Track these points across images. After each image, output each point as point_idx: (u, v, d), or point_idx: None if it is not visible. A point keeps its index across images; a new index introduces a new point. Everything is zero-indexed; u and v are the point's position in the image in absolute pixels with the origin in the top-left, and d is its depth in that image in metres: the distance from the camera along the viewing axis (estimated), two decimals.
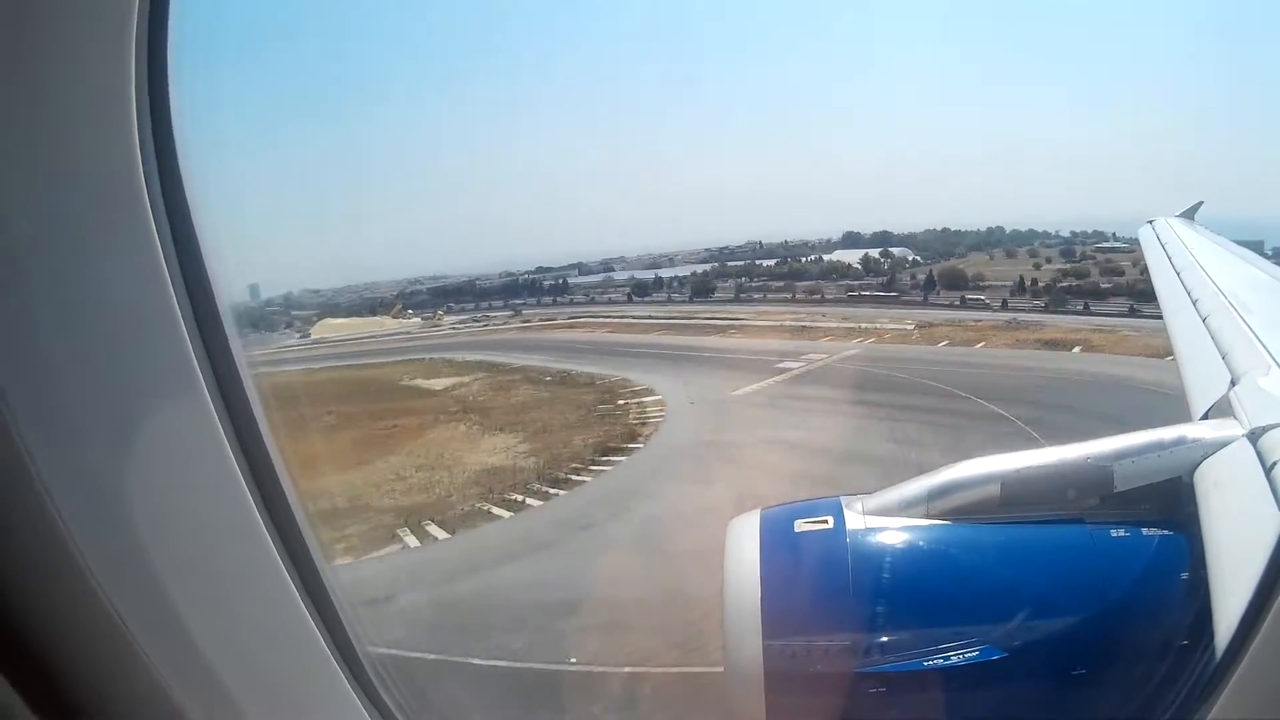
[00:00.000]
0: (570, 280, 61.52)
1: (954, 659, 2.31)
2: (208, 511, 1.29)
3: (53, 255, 1.09)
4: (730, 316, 49.75)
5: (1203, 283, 5.13)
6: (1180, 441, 2.57)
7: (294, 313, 50.91)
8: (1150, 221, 9.16)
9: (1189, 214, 9.55)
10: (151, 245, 1.20)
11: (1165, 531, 2.43)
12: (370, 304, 56.49)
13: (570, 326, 50.83)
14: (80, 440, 1.10)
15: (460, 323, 53.75)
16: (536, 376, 36.55)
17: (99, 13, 1.12)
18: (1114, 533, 2.46)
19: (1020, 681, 2.32)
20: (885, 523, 2.61)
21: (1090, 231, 56.27)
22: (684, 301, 56.35)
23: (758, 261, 60.64)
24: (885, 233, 60.63)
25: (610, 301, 58.01)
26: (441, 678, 11.82)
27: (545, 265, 61.97)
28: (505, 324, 52.86)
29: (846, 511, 2.66)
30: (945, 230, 61.64)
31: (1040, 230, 58.65)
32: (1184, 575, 2.27)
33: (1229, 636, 1.64)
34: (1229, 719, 1.48)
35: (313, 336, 49.10)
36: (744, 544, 2.59)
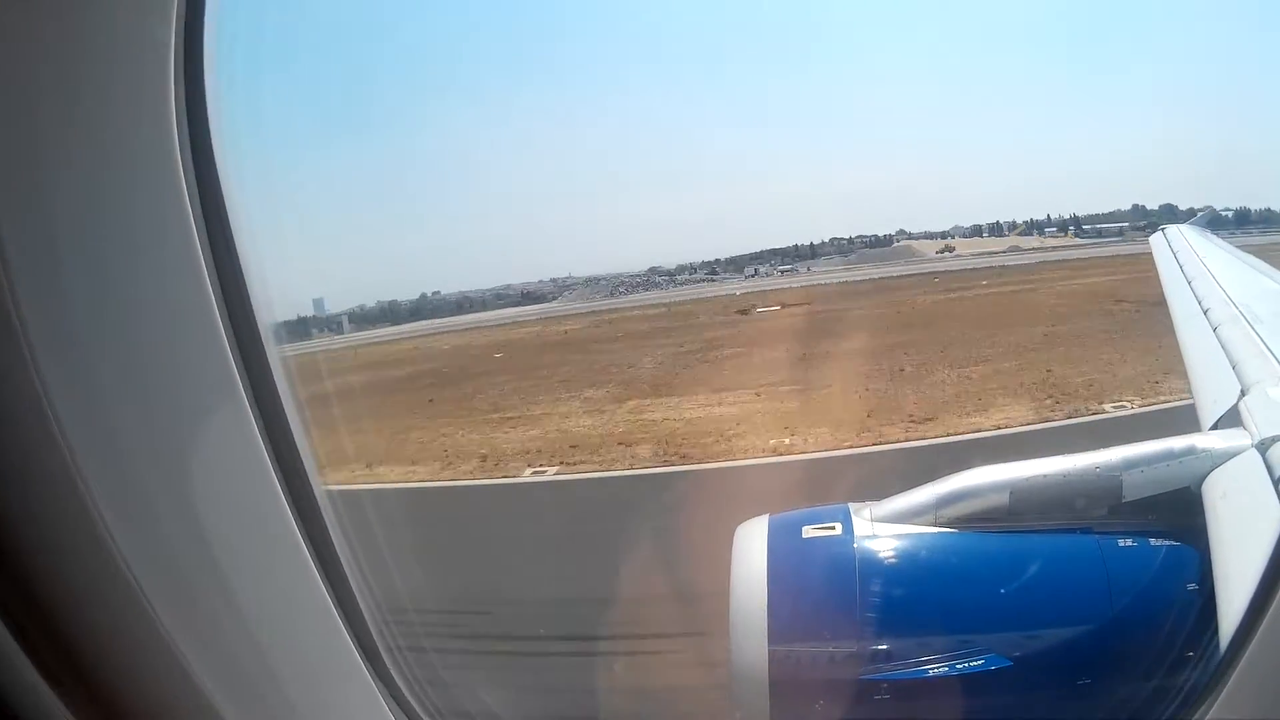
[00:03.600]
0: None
1: (959, 667, 2.31)
2: (244, 518, 1.32)
3: (97, 260, 1.11)
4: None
5: (1214, 292, 5.11)
6: (1189, 451, 2.57)
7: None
8: (1162, 229, 9.12)
9: (1200, 222, 9.50)
10: (192, 249, 1.22)
11: (1173, 541, 2.43)
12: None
13: None
14: (123, 446, 1.13)
15: None
16: None
17: (141, 11, 1.14)
18: (1122, 542, 2.46)
19: (1026, 690, 2.33)
20: (893, 530, 2.62)
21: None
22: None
23: None
24: None
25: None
26: None
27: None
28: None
29: (854, 518, 2.66)
30: None
31: None
32: (1191, 585, 2.27)
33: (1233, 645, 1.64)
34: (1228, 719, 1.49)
35: None
36: (751, 549, 2.60)
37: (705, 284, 56.04)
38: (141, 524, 1.13)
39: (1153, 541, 2.45)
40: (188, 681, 1.17)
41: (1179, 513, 2.47)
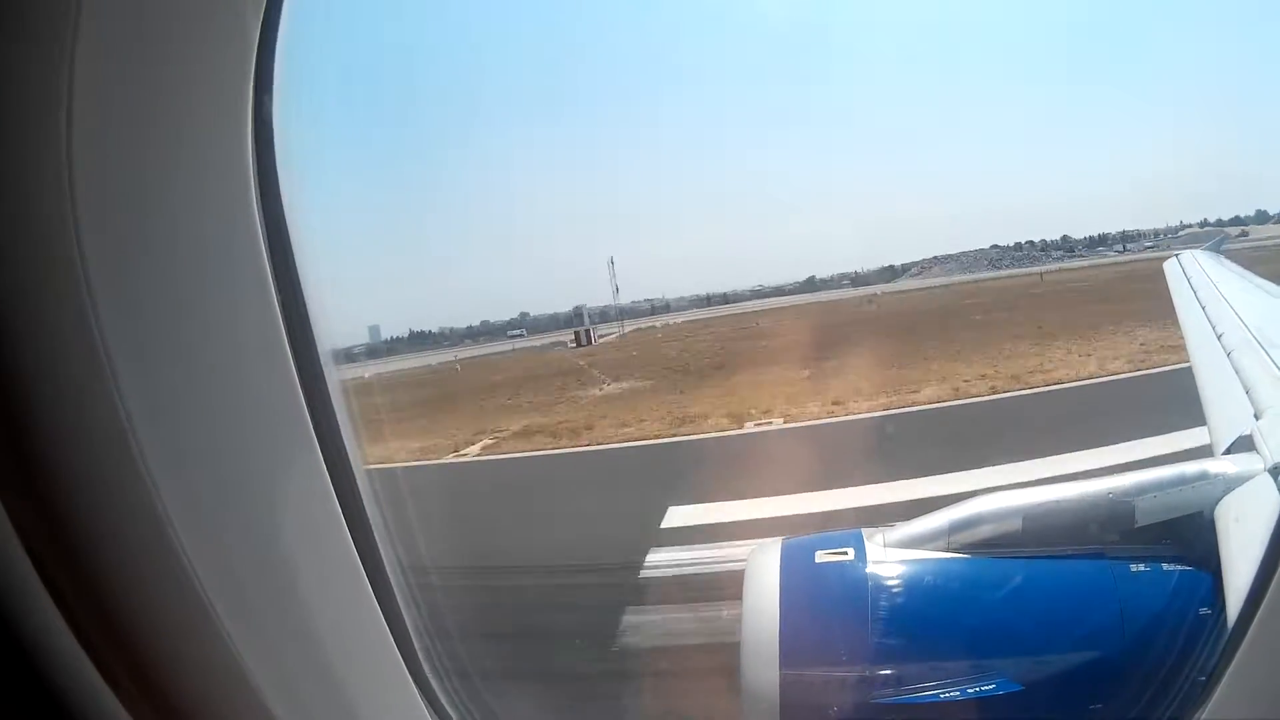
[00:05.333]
0: None
1: (971, 691, 2.31)
2: (300, 528, 1.36)
3: (172, 272, 1.16)
4: None
5: (1227, 317, 5.10)
6: (1202, 476, 2.57)
7: None
8: (1176, 255, 9.10)
9: (1215, 247, 9.48)
10: (259, 266, 1.27)
11: (1186, 566, 2.42)
12: None
13: None
14: (190, 455, 1.17)
15: None
16: None
17: (223, 29, 1.18)
18: (1134, 567, 2.45)
19: (1037, 715, 2.31)
20: (906, 555, 2.63)
21: None
22: None
23: None
24: None
25: None
26: None
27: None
28: None
29: (868, 543, 2.68)
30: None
31: None
32: (1204, 610, 2.26)
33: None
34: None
35: None
36: (764, 573, 2.62)
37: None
38: (207, 530, 1.17)
39: (1165, 566, 2.44)
40: (247, 688, 1.20)
41: (1192, 538, 2.47)
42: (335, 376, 1.44)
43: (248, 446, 1.27)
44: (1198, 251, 8.73)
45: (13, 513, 1.04)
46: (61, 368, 1.05)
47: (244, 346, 1.28)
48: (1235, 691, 1.49)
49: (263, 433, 1.31)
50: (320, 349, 1.41)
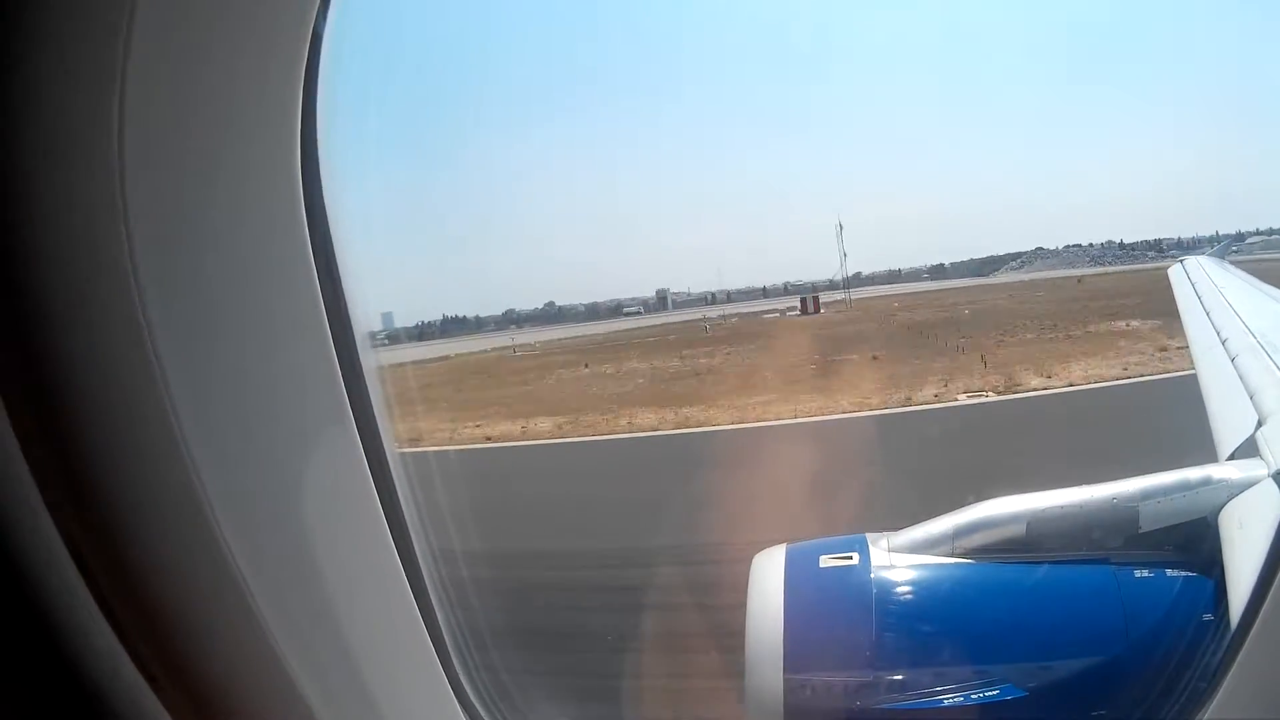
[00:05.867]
0: None
1: (975, 697, 2.31)
2: (342, 526, 1.38)
3: (218, 263, 1.17)
4: None
5: (1232, 322, 5.10)
6: (1206, 482, 2.57)
7: None
8: (1181, 260, 9.10)
9: (1220, 253, 9.47)
10: (303, 256, 1.28)
11: (1190, 572, 2.42)
12: None
13: None
14: (235, 451, 1.18)
15: None
16: None
17: (277, 19, 1.19)
18: (1138, 573, 2.46)
19: None
20: (910, 560, 2.63)
21: None
22: None
23: None
24: None
25: None
26: None
27: None
28: None
29: (872, 548, 2.68)
30: None
31: None
32: (1208, 615, 2.26)
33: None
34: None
35: None
36: (768, 578, 2.63)
37: None
38: (250, 526, 1.18)
39: (1169, 572, 2.44)
40: (288, 684, 1.21)
41: (1196, 543, 2.47)
42: (373, 365, 1.44)
43: (290, 439, 1.28)
44: (1203, 257, 8.72)
45: (56, 508, 1.04)
46: (110, 364, 1.06)
47: (286, 340, 1.29)
48: (1237, 694, 1.50)
49: (305, 425, 1.32)
50: (360, 344, 1.41)
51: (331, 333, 1.33)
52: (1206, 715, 1.54)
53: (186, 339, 1.11)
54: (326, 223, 1.35)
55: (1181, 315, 6.44)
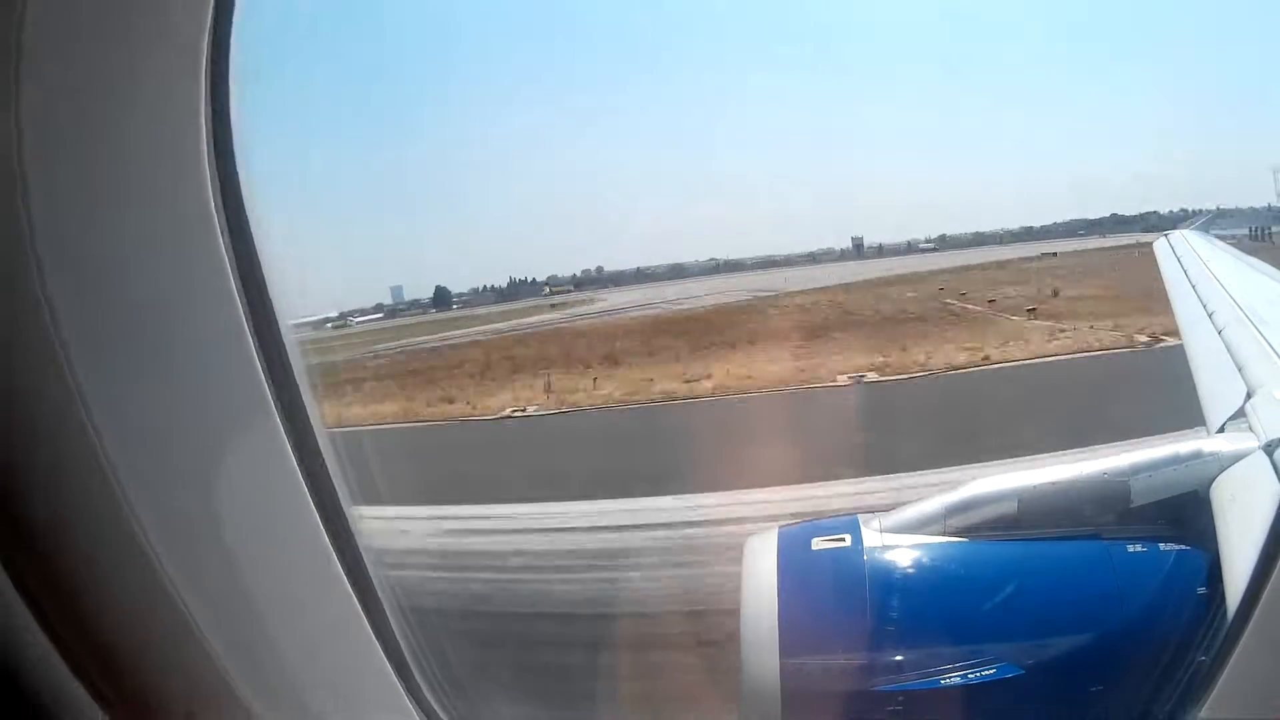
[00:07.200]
0: None
1: (971, 676, 2.31)
2: (270, 516, 1.35)
3: (124, 256, 1.14)
4: None
5: (1218, 296, 5.11)
6: (1197, 455, 2.57)
7: None
8: (1166, 235, 9.14)
9: (1204, 227, 9.52)
10: (215, 247, 1.24)
11: (1182, 546, 2.42)
12: None
13: None
14: (153, 445, 1.16)
15: None
16: None
17: (172, 10, 1.16)
18: (1130, 548, 2.46)
19: (1038, 698, 2.31)
20: (902, 540, 2.62)
21: None
22: None
23: None
24: None
25: None
26: None
27: None
28: None
29: (864, 529, 2.67)
30: None
31: None
32: (1201, 589, 2.26)
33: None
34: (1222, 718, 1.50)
35: None
36: (761, 561, 2.61)
37: None
38: (173, 521, 1.15)
39: (1162, 546, 2.44)
40: (219, 679, 1.19)
41: (1188, 517, 2.47)
42: (300, 357, 1.40)
43: (208, 427, 1.26)
44: (1188, 231, 8.77)
45: None
46: (19, 367, 1.03)
47: (204, 333, 1.26)
48: (1241, 676, 1.49)
49: (225, 413, 1.29)
50: (283, 326, 1.37)
51: (254, 323, 1.30)
52: (1211, 696, 1.53)
53: (97, 335, 1.09)
54: (242, 206, 1.31)
55: (1167, 288, 6.46)
